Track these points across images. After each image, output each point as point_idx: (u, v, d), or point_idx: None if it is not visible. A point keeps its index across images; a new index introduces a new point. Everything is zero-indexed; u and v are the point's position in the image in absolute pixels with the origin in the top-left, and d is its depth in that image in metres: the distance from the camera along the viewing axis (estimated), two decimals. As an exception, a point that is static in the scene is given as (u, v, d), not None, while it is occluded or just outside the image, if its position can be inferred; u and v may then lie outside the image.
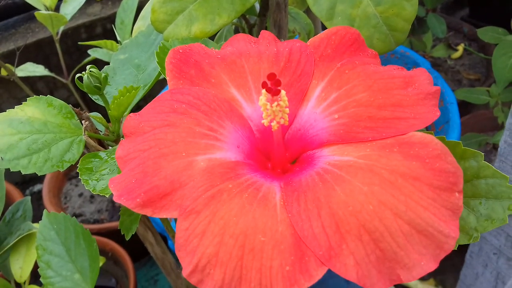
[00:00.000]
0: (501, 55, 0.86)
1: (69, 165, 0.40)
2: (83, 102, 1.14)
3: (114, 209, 1.07)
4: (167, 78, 0.36)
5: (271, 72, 0.30)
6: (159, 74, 0.47)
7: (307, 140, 0.34)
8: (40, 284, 0.67)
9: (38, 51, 1.28)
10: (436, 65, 1.35)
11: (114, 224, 0.95)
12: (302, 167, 0.32)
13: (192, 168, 0.30)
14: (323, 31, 0.38)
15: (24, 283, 0.67)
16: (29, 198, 0.78)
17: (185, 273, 0.28)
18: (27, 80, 1.17)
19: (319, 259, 0.26)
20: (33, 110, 0.43)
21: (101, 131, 0.45)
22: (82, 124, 0.42)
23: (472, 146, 1.01)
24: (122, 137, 0.45)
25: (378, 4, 0.45)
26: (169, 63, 0.36)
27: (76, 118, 0.44)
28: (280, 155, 0.34)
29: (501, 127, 1.02)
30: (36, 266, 0.67)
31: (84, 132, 0.42)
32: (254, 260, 0.27)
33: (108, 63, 1.05)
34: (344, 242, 0.26)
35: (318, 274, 0.26)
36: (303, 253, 0.27)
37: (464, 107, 1.15)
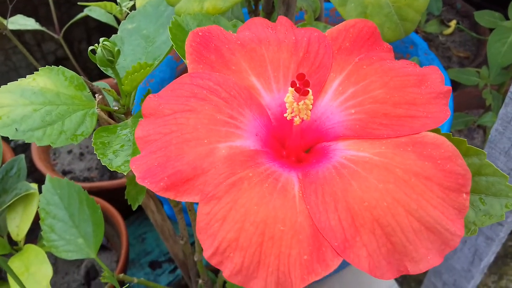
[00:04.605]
0: (496, 41, 0.87)
1: (82, 138, 0.41)
2: (72, 56, 1.11)
3: (104, 168, 1.07)
4: (187, 62, 0.37)
5: (300, 72, 0.31)
6: (171, 48, 0.47)
7: (322, 132, 0.36)
8: (34, 243, 0.69)
9: (27, 1, 1.24)
10: (428, 40, 1.36)
11: (105, 183, 0.96)
12: (318, 159, 0.33)
13: (213, 155, 0.32)
14: (341, 23, 0.38)
15: (20, 241, 0.68)
16: (23, 156, 0.78)
17: (206, 254, 0.29)
18: (14, 31, 1.14)
19: (335, 250, 0.28)
20: (45, 80, 0.43)
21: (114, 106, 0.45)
22: (95, 98, 0.43)
23: (459, 126, 1.04)
24: (133, 112, 0.46)
25: (392, -7, 0.46)
26: (189, 46, 0.37)
27: (88, 90, 0.44)
28: (296, 145, 0.35)
29: (487, 108, 1.05)
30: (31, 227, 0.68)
31: (97, 105, 0.42)
32: (273, 247, 0.28)
33: (101, 23, 1.03)
34: (358, 234, 0.28)
35: (334, 264, 0.28)
36: (320, 243, 0.28)
37: (451, 83, 1.17)
